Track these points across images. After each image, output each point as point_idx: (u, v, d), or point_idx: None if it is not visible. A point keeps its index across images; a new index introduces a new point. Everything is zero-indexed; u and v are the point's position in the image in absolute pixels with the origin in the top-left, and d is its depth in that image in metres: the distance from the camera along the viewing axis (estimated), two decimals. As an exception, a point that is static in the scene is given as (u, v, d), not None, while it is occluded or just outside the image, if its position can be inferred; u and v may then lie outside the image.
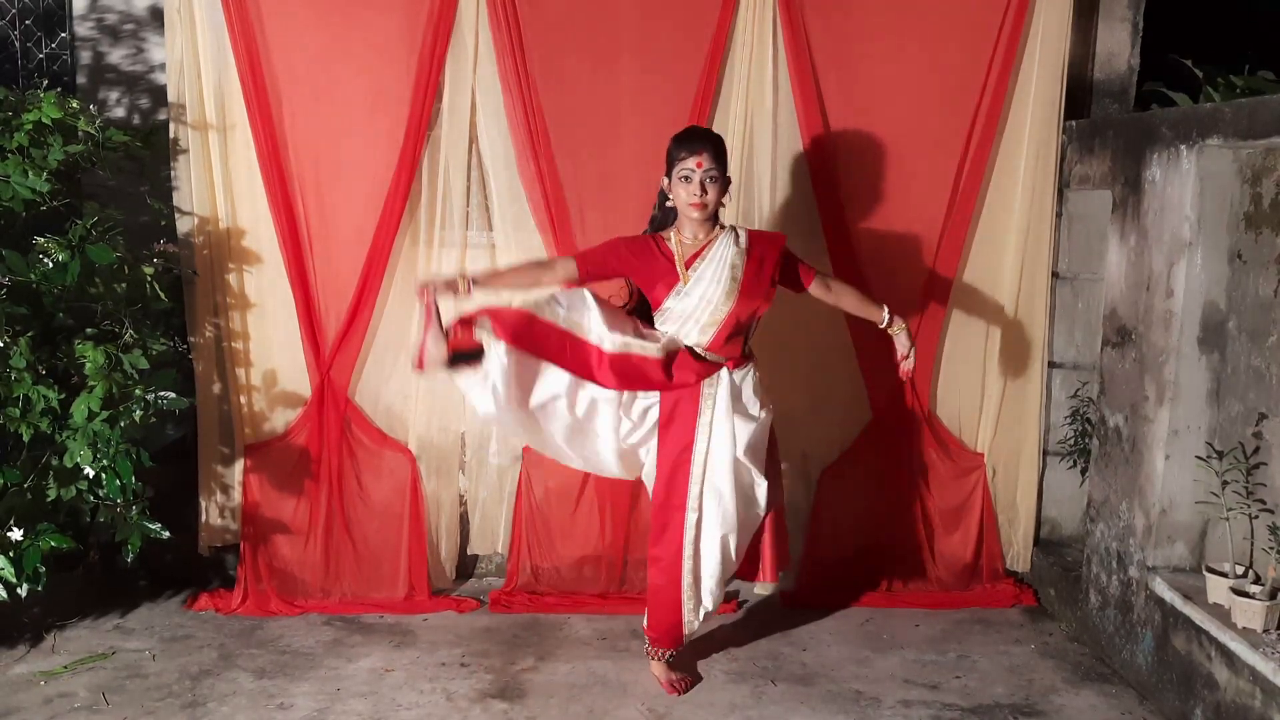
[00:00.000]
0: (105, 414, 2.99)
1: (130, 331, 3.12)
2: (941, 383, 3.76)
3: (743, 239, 2.97)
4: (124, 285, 3.17)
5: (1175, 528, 3.05)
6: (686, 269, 2.93)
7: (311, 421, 3.59)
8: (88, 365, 3.00)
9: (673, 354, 2.91)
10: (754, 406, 3.02)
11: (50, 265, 2.97)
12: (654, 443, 3.03)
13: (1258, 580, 2.80)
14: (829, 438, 3.76)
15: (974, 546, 3.78)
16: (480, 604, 3.64)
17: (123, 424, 3.02)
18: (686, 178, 2.89)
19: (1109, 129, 3.40)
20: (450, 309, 2.87)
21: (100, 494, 3.06)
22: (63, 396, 2.99)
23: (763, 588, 3.22)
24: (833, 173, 3.58)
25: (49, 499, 3.03)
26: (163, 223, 3.50)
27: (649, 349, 2.89)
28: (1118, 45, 3.77)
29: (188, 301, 3.54)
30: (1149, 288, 3.09)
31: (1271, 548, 2.75)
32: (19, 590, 2.94)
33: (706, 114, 3.53)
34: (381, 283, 3.56)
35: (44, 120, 3.09)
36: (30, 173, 3.02)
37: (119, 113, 3.76)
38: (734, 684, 3.14)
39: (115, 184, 3.47)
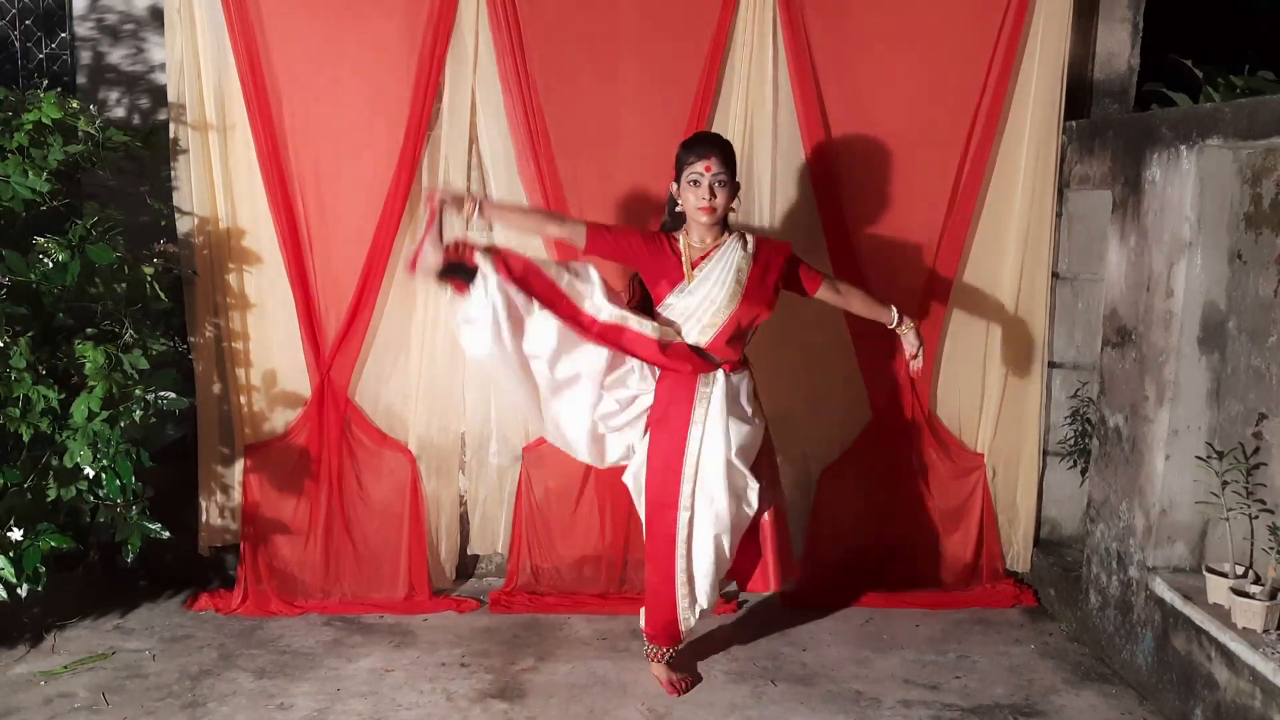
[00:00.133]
0: (105, 414, 2.99)
1: (130, 331, 3.12)
2: (941, 383, 3.77)
3: (750, 244, 2.99)
4: (124, 285, 3.17)
5: (1175, 528, 3.05)
6: (693, 269, 2.94)
7: (311, 421, 3.59)
8: (88, 365, 3.00)
9: (669, 341, 2.91)
10: (749, 411, 3.03)
11: (50, 265, 2.96)
12: (635, 435, 3.05)
13: (1258, 580, 2.80)
14: (829, 438, 3.76)
15: (974, 546, 3.78)
16: (480, 604, 3.64)
17: (123, 424, 3.02)
18: (695, 182, 2.89)
19: (1109, 129, 3.40)
20: (454, 226, 2.86)
21: (100, 494, 3.06)
22: (63, 396, 2.99)
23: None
24: (833, 173, 3.58)
25: (49, 499, 3.03)
26: (163, 223, 3.50)
27: (645, 327, 2.90)
28: (1118, 45, 3.77)
29: (188, 301, 3.54)
30: (1149, 288, 3.09)
31: (1271, 548, 2.75)
32: (19, 590, 2.94)
33: (706, 114, 3.54)
34: (381, 283, 3.56)
35: (44, 120, 3.09)
36: (30, 173, 3.02)
37: (119, 113, 3.76)
38: (734, 684, 3.14)
39: (115, 184, 3.47)
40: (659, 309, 2.98)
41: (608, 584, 3.70)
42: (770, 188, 3.61)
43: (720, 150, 2.92)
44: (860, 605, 3.68)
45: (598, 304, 2.91)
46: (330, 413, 3.58)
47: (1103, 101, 3.80)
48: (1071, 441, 3.80)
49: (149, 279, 3.19)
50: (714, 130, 3.50)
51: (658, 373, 2.99)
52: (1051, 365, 3.81)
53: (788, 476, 3.72)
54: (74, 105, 3.17)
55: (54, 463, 3.04)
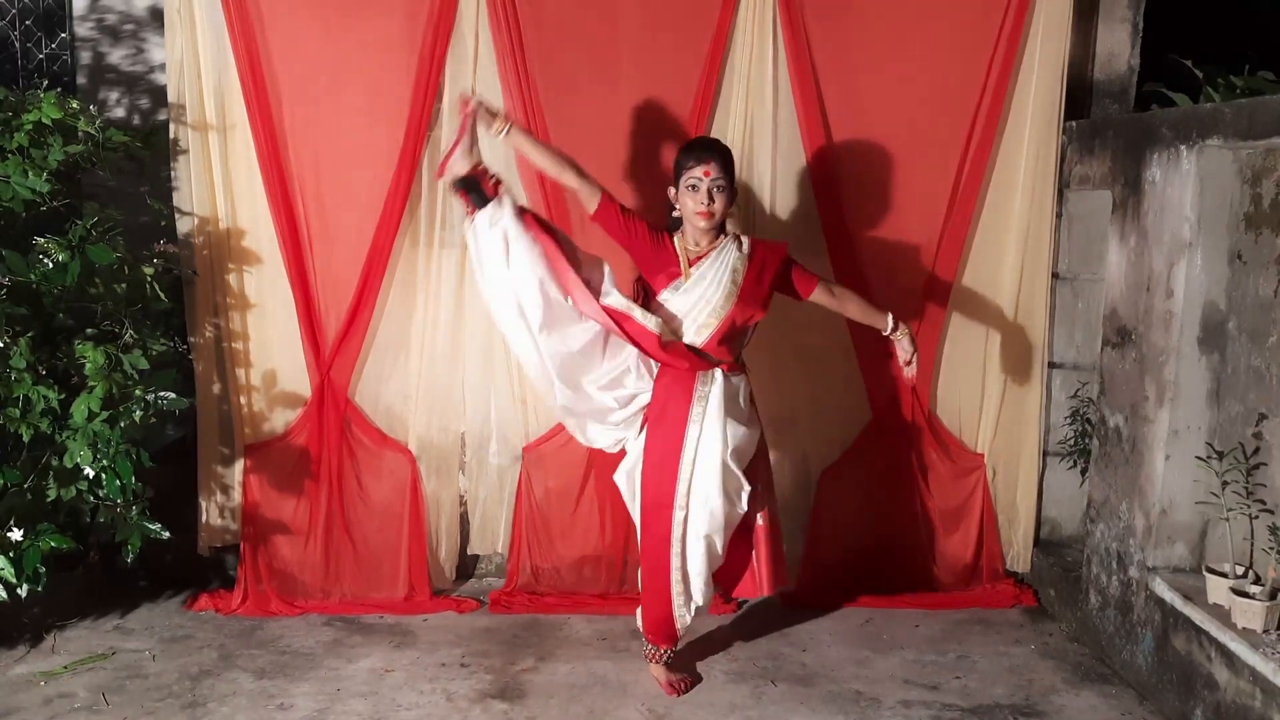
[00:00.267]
0: (105, 414, 2.99)
1: (130, 332, 3.12)
2: (941, 383, 3.77)
3: (746, 245, 2.99)
4: (124, 285, 3.16)
5: (1175, 528, 3.05)
6: (690, 267, 2.94)
7: (311, 422, 3.59)
8: (88, 365, 3.00)
9: (669, 340, 2.92)
10: (746, 414, 3.03)
11: (50, 265, 2.96)
12: (630, 433, 3.05)
13: (1258, 580, 2.80)
14: (829, 438, 3.76)
15: (974, 547, 3.78)
16: (480, 604, 3.64)
17: (123, 424, 3.02)
18: (694, 187, 2.90)
19: (1109, 129, 3.40)
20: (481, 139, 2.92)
21: (100, 494, 3.06)
22: (63, 397, 2.99)
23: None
24: (833, 174, 3.58)
25: (49, 499, 3.03)
26: (163, 223, 3.50)
27: (649, 321, 2.89)
28: (1118, 45, 3.77)
29: (188, 301, 3.54)
30: (1149, 288, 3.09)
31: (1271, 548, 2.75)
32: (19, 590, 2.94)
33: (706, 115, 3.54)
34: (381, 283, 3.56)
35: (44, 120, 3.09)
36: (30, 173, 3.02)
37: (119, 113, 3.76)
38: (734, 684, 3.14)
39: (115, 184, 3.47)
40: (654, 305, 2.99)
41: (608, 584, 3.70)
42: (770, 188, 3.61)
43: (719, 155, 2.93)
44: (860, 605, 3.68)
45: (606, 289, 2.92)
46: (330, 413, 3.58)
47: (1103, 102, 3.80)
48: (1071, 442, 3.80)
49: (149, 279, 3.19)
50: (714, 131, 3.51)
51: (655, 370, 3.00)
52: (1051, 365, 3.81)
53: (788, 476, 3.74)
54: (74, 105, 3.17)
55: (54, 463, 3.04)
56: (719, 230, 2.99)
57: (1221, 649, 2.73)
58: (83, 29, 3.77)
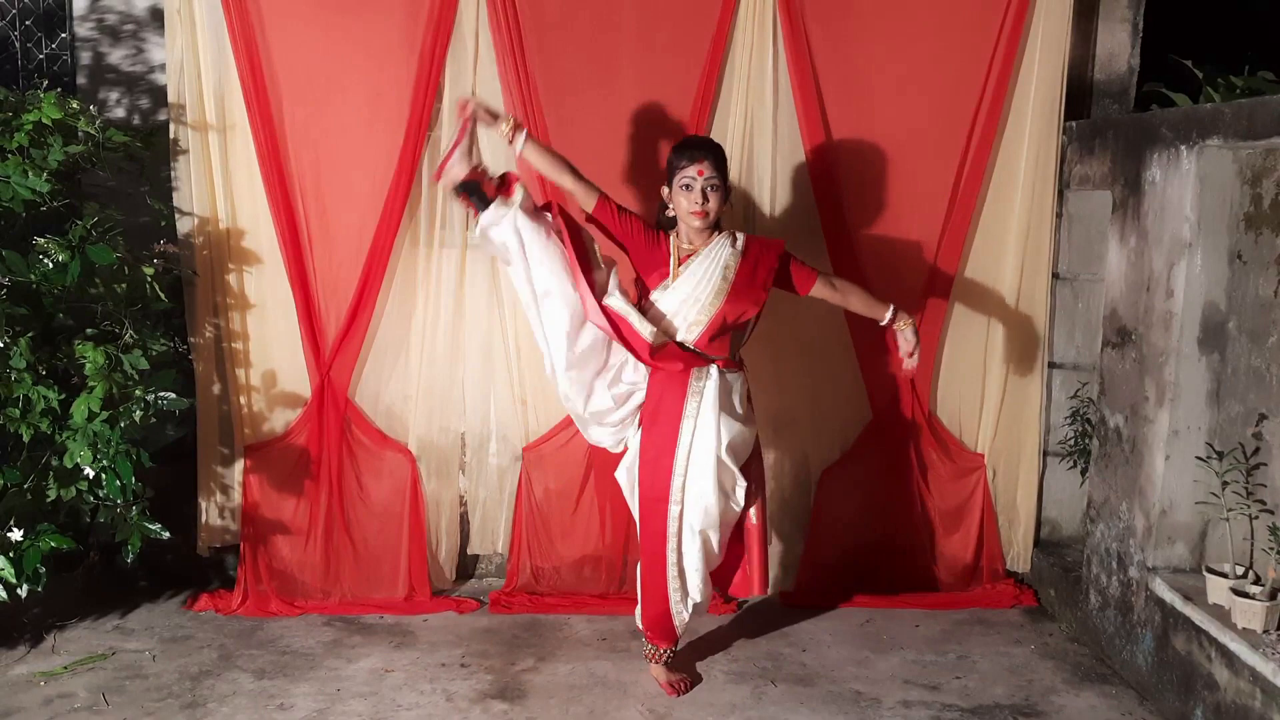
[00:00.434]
0: (105, 414, 2.99)
1: (130, 332, 3.12)
2: (941, 383, 3.77)
3: (740, 242, 2.99)
4: (124, 285, 3.17)
5: (1175, 528, 3.05)
6: (679, 266, 2.95)
7: (311, 422, 3.59)
8: (88, 366, 3.00)
9: (662, 344, 2.91)
10: (741, 411, 3.03)
11: (50, 265, 2.97)
12: (629, 431, 3.06)
13: (1258, 581, 2.80)
14: (829, 438, 3.76)
15: (974, 547, 3.78)
16: (480, 604, 3.64)
17: (123, 424, 3.02)
18: (688, 186, 2.90)
19: (1109, 129, 3.40)
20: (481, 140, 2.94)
21: (100, 494, 3.06)
22: (63, 397, 2.99)
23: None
24: (833, 174, 3.58)
25: (49, 499, 3.03)
26: (163, 223, 3.51)
27: (644, 328, 2.89)
28: (1118, 46, 3.77)
29: (188, 302, 3.54)
30: (1149, 288, 3.09)
31: (1271, 548, 2.75)
32: (19, 590, 2.94)
33: (706, 115, 3.54)
34: (381, 283, 3.56)
35: (44, 120, 3.09)
36: (30, 173, 3.02)
37: (119, 113, 3.76)
38: (734, 684, 3.14)
39: (115, 184, 3.47)
40: (646, 302, 2.99)
41: (608, 584, 3.70)
42: (770, 189, 3.61)
43: (712, 154, 2.93)
44: (860, 605, 3.68)
45: (610, 289, 2.93)
46: (330, 413, 3.58)
47: (1103, 102, 3.80)
48: (1071, 442, 3.80)
49: (149, 279, 3.19)
50: (714, 131, 3.51)
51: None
52: (1051, 365, 3.81)
53: (788, 476, 3.74)
54: (74, 105, 3.17)
55: (54, 463, 3.04)
56: (714, 228, 2.99)
57: (1221, 649, 2.73)
58: (83, 29, 3.77)
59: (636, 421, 3.05)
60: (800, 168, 3.60)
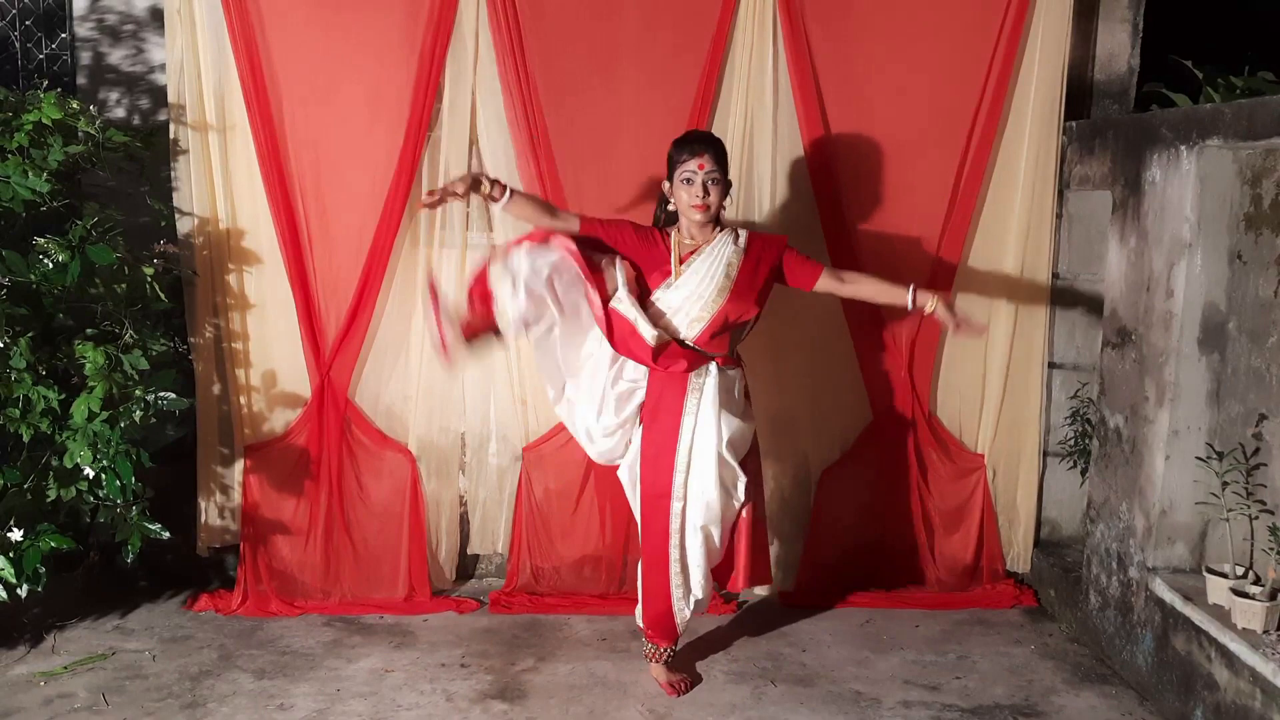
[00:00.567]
0: (105, 414, 2.99)
1: (130, 332, 3.12)
2: (941, 383, 3.77)
3: (742, 239, 2.99)
4: (124, 285, 3.17)
5: (1175, 528, 3.05)
6: (681, 264, 2.94)
7: (311, 422, 3.59)
8: (88, 366, 3.00)
9: (664, 345, 2.91)
10: (740, 406, 3.03)
11: (50, 266, 2.97)
12: (632, 431, 3.06)
13: (1258, 581, 2.80)
14: (829, 438, 3.76)
15: (974, 547, 3.78)
16: (480, 604, 3.64)
17: (123, 424, 3.02)
18: (688, 180, 2.90)
19: (1109, 130, 3.40)
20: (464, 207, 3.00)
21: (100, 494, 3.06)
22: (63, 397, 2.99)
23: (760, 588, 3.20)
24: (833, 174, 3.58)
25: (49, 499, 3.03)
26: (163, 223, 3.51)
27: (648, 334, 2.89)
28: (1118, 46, 3.77)
29: (188, 302, 3.54)
30: (1149, 288, 3.09)
31: (1272, 548, 2.75)
32: (19, 590, 2.94)
33: (706, 115, 3.54)
34: (381, 283, 3.56)
35: (44, 121, 3.09)
36: (30, 173, 3.02)
37: (119, 113, 3.76)
38: (734, 684, 3.14)
39: (115, 184, 3.47)
40: (647, 303, 2.99)
41: (608, 584, 3.70)
42: (770, 189, 3.61)
43: (713, 148, 2.93)
44: (860, 605, 3.68)
45: (619, 295, 2.93)
46: (330, 413, 3.58)
47: (1103, 102, 3.80)
48: (1071, 442, 3.79)
49: (149, 279, 3.19)
50: (714, 130, 3.51)
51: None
52: (1051, 366, 3.81)
53: (788, 476, 3.74)
54: (74, 106, 3.17)
55: (54, 463, 3.04)
56: (715, 223, 2.99)
57: (1221, 649, 2.73)
58: (83, 29, 3.76)
59: (638, 419, 3.05)
60: (800, 168, 3.60)
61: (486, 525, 3.78)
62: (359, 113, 3.49)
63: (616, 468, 3.18)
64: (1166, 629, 2.99)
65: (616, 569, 3.71)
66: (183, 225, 3.52)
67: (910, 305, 2.99)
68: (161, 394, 3.11)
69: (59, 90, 3.25)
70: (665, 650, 3.10)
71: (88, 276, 3.02)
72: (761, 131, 3.57)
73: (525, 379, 3.63)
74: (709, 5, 3.49)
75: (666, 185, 2.98)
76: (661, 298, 2.96)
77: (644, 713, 2.97)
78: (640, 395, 3.03)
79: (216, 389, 3.61)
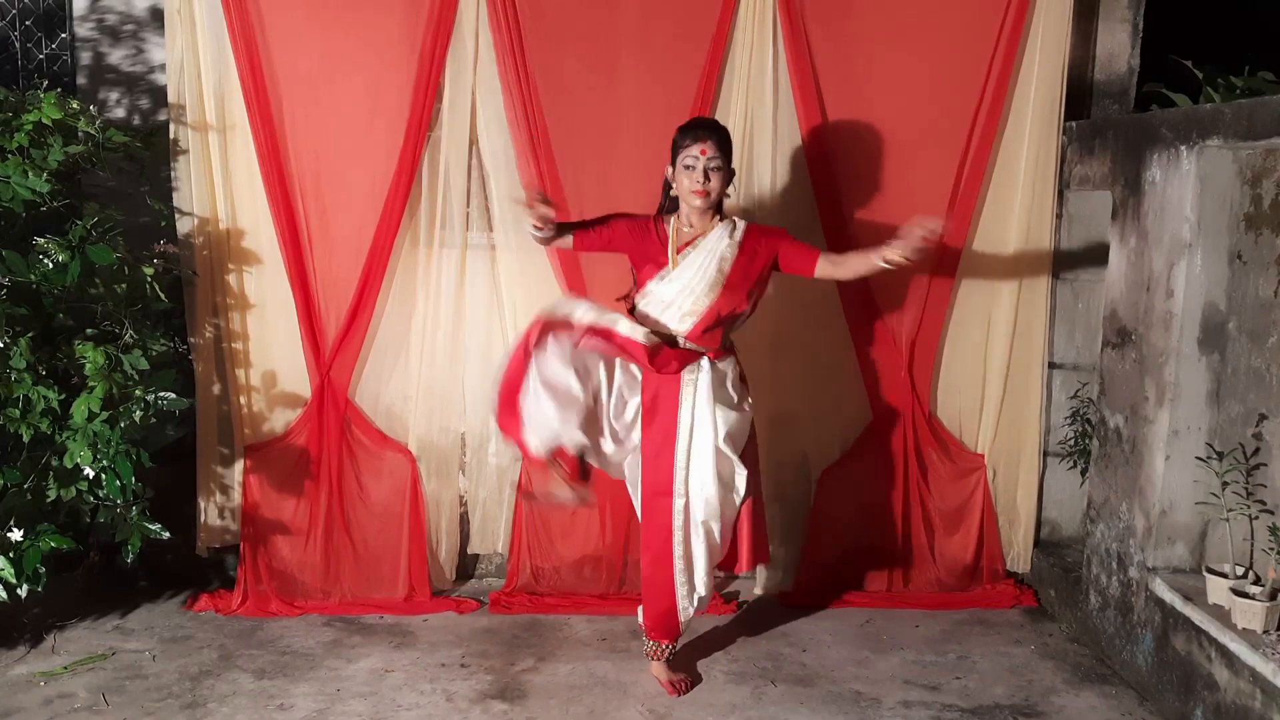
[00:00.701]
0: (105, 414, 2.99)
1: (130, 332, 3.12)
2: (941, 383, 3.77)
3: (739, 232, 2.99)
4: (124, 286, 3.17)
5: (1175, 529, 3.05)
6: (676, 254, 2.95)
7: (311, 422, 3.59)
8: (88, 366, 3.00)
9: (656, 346, 2.90)
10: (735, 398, 3.03)
11: (50, 266, 2.97)
12: (635, 434, 3.06)
13: (1258, 581, 2.80)
14: (829, 438, 3.76)
15: (974, 547, 3.78)
16: (480, 605, 3.64)
17: (123, 424, 3.02)
18: (689, 166, 2.91)
19: (1109, 130, 3.40)
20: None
21: (100, 494, 3.06)
22: (63, 397, 2.99)
23: (760, 586, 3.18)
24: (833, 174, 3.58)
25: (49, 499, 3.03)
26: (163, 223, 3.51)
27: (637, 333, 2.87)
28: (1118, 46, 3.77)
29: (188, 302, 3.54)
30: (1149, 289, 3.09)
31: (1272, 548, 2.75)
32: (19, 590, 2.94)
33: (707, 114, 3.53)
34: (382, 283, 3.56)
35: (44, 121, 3.09)
36: (30, 173, 3.02)
37: (119, 113, 3.76)
38: (734, 684, 3.14)
39: (115, 184, 3.47)
40: (639, 297, 3.00)
41: (608, 584, 3.70)
42: (770, 188, 3.61)
43: (716, 135, 2.93)
44: (860, 605, 3.68)
45: (627, 328, 2.93)
46: (330, 413, 3.58)
47: (1103, 102, 3.80)
48: (1071, 442, 3.79)
49: (149, 279, 3.19)
50: (717, 124, 3.52)
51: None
52: (1051, 366, 3.81)
53: (788, 476, 3.73)
54: (74, 106, 3.17)
55: (54, 463, 3.04)
56: (715, 211, 2.99)
57: (1221, 649, 2.73)
58: (83, 29, 3.76)
59: (639, 421, 3.05)
60: (800, 168, 3.60)
61: (486, 525, 3.77)
62: (359, 113, 3.49)
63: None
64: (1166, 629, 2.99)
65: (616, 569, 3.71)
66: (183, 225, 3.52)
67: (880, 262, 2.87)
68: (161, 394, 3.11)
69: (59, 90, 3.24)
70: (666, 647, 3.10)
71: (88, 276, 3.02)
72: (761, 131, 3.57)
73: (525, 379, 3.63)
74: (709, 5, 3.49)
75: (670, 170, 2.99)
76: (655, 290, 2.96)
77: (644, 713, 2.97)
78: (634, 401, 3.02)
79: (216, 389, 3.61)
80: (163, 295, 3.23)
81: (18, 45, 3.88)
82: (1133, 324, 3.18)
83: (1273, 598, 2.70)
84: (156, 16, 3.65)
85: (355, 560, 3.64)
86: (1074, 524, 3.88)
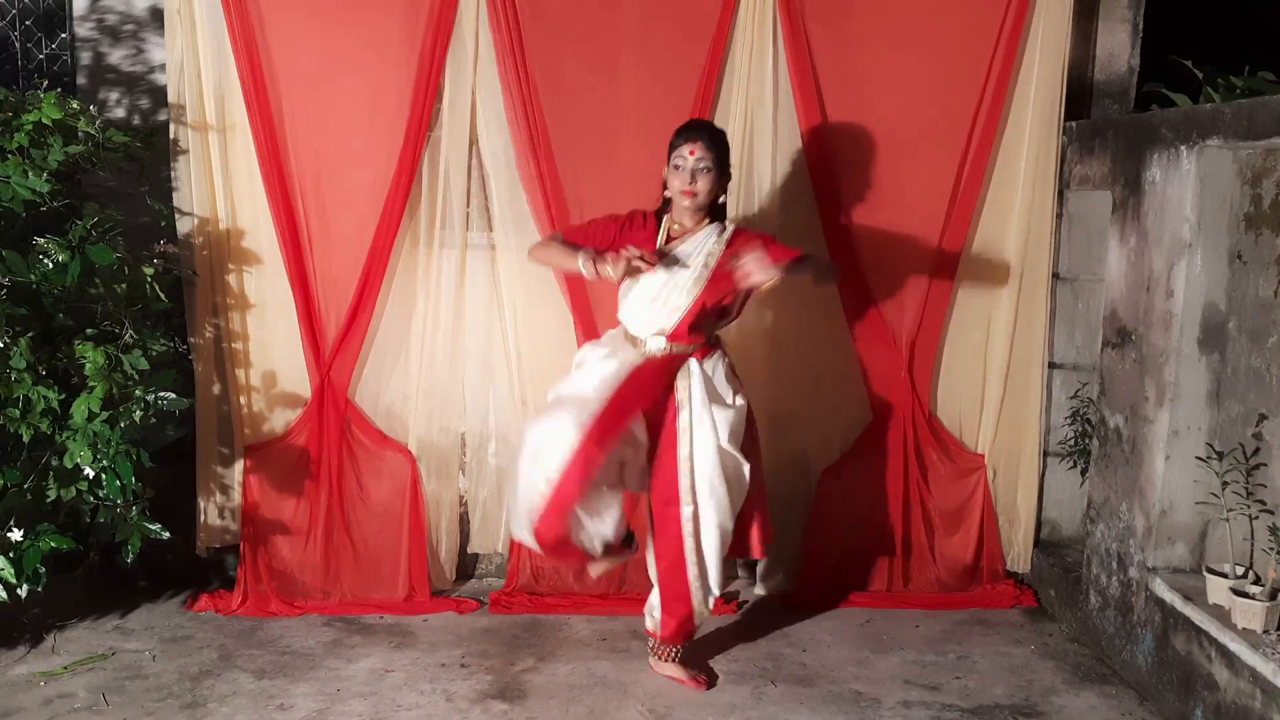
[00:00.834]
0: (105, 414, 2.99)
1: (130, 332, 3.12)
2: (941, 383, 3.77)
3: (727, 233, 3.00)
4: (124, 286, 3.17)
5: (1175, 528, 3.05)
6: (664, 246, 2.96)
7: (311, 422, 3.59)
8: (88, 366, 3.00)
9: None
10: (729, 394, 3.03)
11: (50, 266, 2.97)
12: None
13: (1258, 581, 2.80)
14: (829, 438, 3.76)
15: (974, 547, 3.78)
16: (480, 604, 3.64)
17: (123, 424, 3.02)
18: (678, 165, 2.93)
19: (1109, 130, 3.40)
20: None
21: (100, 494, 3.06)
22: (63, 397, 2.99)
23: (761, 586, 3.16)
24: (833, 174, 3.58)
25: (49, 499, 3.03)
26: (163, 223, 3.50)
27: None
28: (1118, 46, 3.77)
29: (188, 302, 3.54)
30: (1149, 289, 3.09)
31: (1272, 548, 2.75)
32: (19, 590, 2.94)
33: (706, 115, 3.53)
34: (382, 283, 3.56)
35: (44, 121, 3.09)
36: (30, 173, 3.02)
37: (119, 113, 3.76)
38: (734, 684, 3.14)
39: (115, 184, 3.47)
40: (621, 293, 3.00)
41: (608, 584, 3.70)
42: (770, 188, 3.61)
43: (707, 136, 2.94)
44: (860, 605, 3.68)
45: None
46: (330, 413, 3.58)
47: (1103, 102, 3.80)
48: (1072, 442, 3.79)
49: (149, 279, 3.19)
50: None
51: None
52: (1052, 366, 3.81)
53: (787, 476, 3.73)
54: (74, 106, 3.17)
55: (54, 463, 3.04)
56: (706, 214, 3.00)
57: (1221, 649, 2.73)
58: (83, 29, 3.77)
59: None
60: (800, 168, 3.60)
61: (486, 525, 3.77)
62: (359, 112, 3.49)
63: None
64: (1166, 629, 2.99)
65: (616, 569, 3.70)
66: (183, 225, 3.52)
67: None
68: (161, 394, 3.11)
69: (59, 90, 3.24)
70: (678, 648, 3.12)
71: (88, 276, 3.02)
72: (761, 132, 3.57)
73: (525, 379, 3.63)
74: (709, 5, 3.49)
75: (666, 169, 2.99)
76: (643, 280, 2.94)
77: (644, 713, 2.97)
78: (640, 432, 3.01)
79: (216, 389, 3.61)
80: (163, 295, 3.23)
81: (18, 45, 3.88)
82: (1133, 324, 3.18)
83: (1273, 598, 2.70)
84: (156, 16, 3.65)
85: (355, 560, 3.64)
86: (1074, 524, 3.88)
